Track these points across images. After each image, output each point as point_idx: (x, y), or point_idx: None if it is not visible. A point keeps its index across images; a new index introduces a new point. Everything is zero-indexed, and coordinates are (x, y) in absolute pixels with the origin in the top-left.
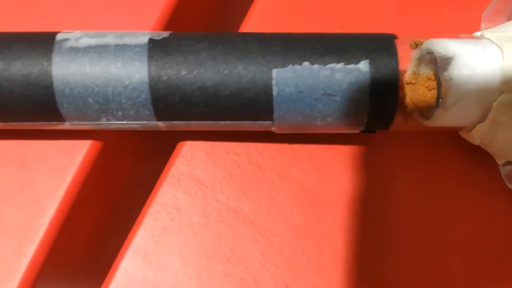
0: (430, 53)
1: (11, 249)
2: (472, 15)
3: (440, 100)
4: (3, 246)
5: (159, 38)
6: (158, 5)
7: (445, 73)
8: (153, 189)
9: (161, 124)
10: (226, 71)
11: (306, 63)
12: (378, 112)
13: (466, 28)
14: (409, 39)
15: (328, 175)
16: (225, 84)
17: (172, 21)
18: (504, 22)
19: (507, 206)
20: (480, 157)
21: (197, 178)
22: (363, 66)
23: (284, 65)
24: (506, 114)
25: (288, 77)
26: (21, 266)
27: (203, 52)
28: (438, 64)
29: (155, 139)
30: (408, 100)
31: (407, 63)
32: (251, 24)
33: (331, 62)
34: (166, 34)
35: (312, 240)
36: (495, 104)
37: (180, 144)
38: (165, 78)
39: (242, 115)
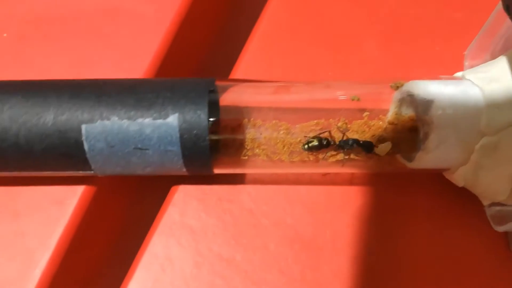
0: (410, 95)
1: None
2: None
3: (421, 144)
4: None
5: None
6: (149, 52)
7: (426, 116)
8: (145, 238)
9: None
10: (37, 128)
11: (114, 118)
12: (194, 161)
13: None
14: (390, 80)
15: (322, 221)
16: (38, 140)
17: (163, 67)
18: (488, 59)
19: (491, 246)
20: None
21: (190, 227)
22: (172, 120)
23: (92, 120)
24: (488, 157)
25: (97, 132)
26: None
27: (15, 107)
28: (419, 107)
29: (147, 182)
30: (391, 141)
31: (389, 104)
32: (244, 68)
33: (140, 117)
34: None
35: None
36: (477, 147)
37: (172, 189)
38: None
39: (61, 167)
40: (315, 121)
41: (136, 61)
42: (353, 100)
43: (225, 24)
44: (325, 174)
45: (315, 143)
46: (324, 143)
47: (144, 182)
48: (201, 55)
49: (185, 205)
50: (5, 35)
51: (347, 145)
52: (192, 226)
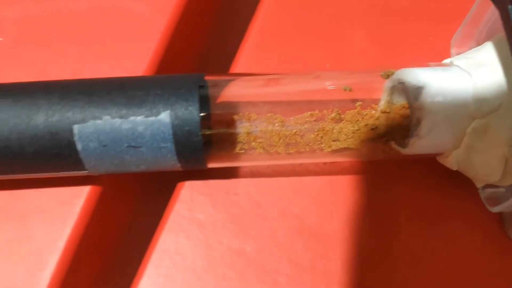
0: (401, 83)
1: None
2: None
3: (414, 130)
4: None
5: None
6: (148, 50)
7: (417, 103)
8: (154, 235)
9: None
10: (28, 130)
11: (106, 117)
12: (189, 157)
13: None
14: (381, 69)
15: (328, 210)
16: (29, 142)
17: (162, 65)
18: (473, 46)
19: (486, 229)
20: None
21: (198, 221)
22: (164, 117)
23: (84, 120)
24: (480, 140)
25: (90, 132)
26: None
27: (5, 110)
28: (410, 94)
29: (153, 180)
30: (384, 129)
31: (381, 93)
32: (241, 64)
33: (132, 115)
34: None
35: (318, 277)
36: (468, 130)
37: (178, 185)
38: None
39: (54, 168)
40: (309, 112)
41: (135, 60)
42: (345, 90)
43: (221, 20)
44: (325, 163)
45: None
46: None
47: (149, 180)
48: (198, 52)
49: (192, 200)
50: (1, 38)
51: None
52: (200, 220)
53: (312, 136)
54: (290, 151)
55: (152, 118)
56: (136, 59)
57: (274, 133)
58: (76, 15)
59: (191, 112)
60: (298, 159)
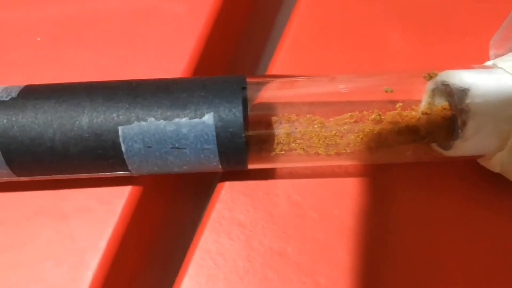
0: (445, 84)
1: None
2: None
3: (459, 131)
4: None
5: (7, 99)
6: (186, 51)
7: (463, 105)
8: (195, 235)
9: (24, 178)
10: (73, 131)
11: (151, 119)
12: (231, 158)
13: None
14: (421, 71)
15: (368, 211)
16: (73, 143)
17: (200, 66)
18: None
19: None
20: (500, 183)
21: (239, 221)
22: (208, 118)
23: (129, 122)
24: None
25: (134, 134)
26: None
27: (49, 112)
28: (455, 96)
29: (193, 180)
30: (425, 131)
31: (422, 95)
32: (278, 65)
33: (176, 117)
34: (15, 93)
35: (360, 279)
36: None
37: (218, 186)
38: (14, 140)
39: (98, 169)
40: (349, 113)
41: (173, 61)
42: (386, 91)
43: (256, 22)
44: (365, 165)
45: None
46: None
47: (189, 180)
48: (234, 52)
49: (232, 200)
50: (38, 39)
51: None
52: (241, 220)
53: (352, 137)
54: (330, 152)
55: (196, 120)
56: (174, 60)
57: (313, 134)
58: (114, 16)
59: (235, 114)
60: (338, 160)
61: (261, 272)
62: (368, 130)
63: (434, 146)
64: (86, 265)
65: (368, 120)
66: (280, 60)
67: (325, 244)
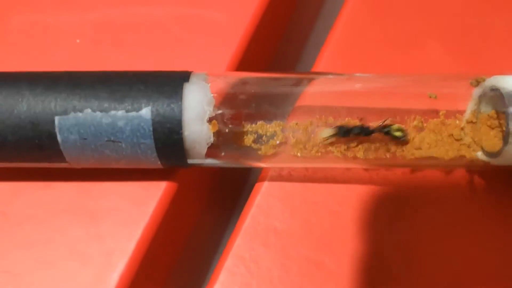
0: (494, 90)
1: None
2: None
3: (510, 137)
4: None
5: None
6: (224, 58)
7: None
8: (229, 241)
9: None
10: (10, 120)
11: (88, 110)
12: (169, 154)
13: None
14: (469, 77)
15: (409, 222)
16: (10, 132)
17: (243, 61)
18: None
19: None
20: None
21: (274, 228)
22: (145, 112)
23: (66, 112)
24: None
25: (70, 125)
26: None
27: None
28: (506, 100)
29: (228, 182)
30: (470, 139)
31: (466, 102)
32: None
33: (114, 109)
34: None
35: None
36: None
37: (255, 190)
38: None
39: (35, 159)
40: (390, 118)
41: (212, 67)
42: (430, 97)
43: (297, 27)
44: (404, 173)
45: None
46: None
47: (224, 181)
48: (272, 60)
49: (268, 206)
50: (78, 41)
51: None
52: (277, 227)
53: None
54: (369, 157)
55: (133, 113)
56: (214, 66)
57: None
58: (153, 21)
59: (173, 109)
60: (377, 165)
61: (297, 283)
62: (409, 137)
63: (480, 155)
64: (113, 267)
65: (410, 126)
66: (320, 66)
67: (365, 257)
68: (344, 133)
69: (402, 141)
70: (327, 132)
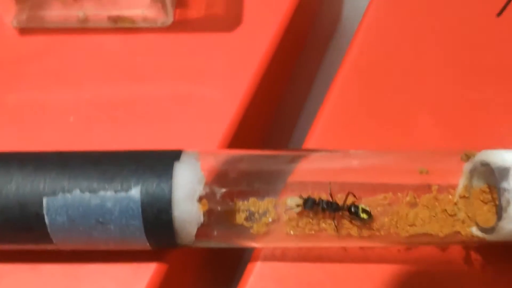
0: (484, 165)
1: None
2: None
3: (503, 213)
4: None
5: None
6: (217, 135)
7: (505, 184)
8: None
9: None
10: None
11: (76, 191)
12: (159, 236)
13: None
14: (460, 151)
15: None
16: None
17: (236, 138)
18: None
19: None
20: None
21: None
22: (135, 193)
23: (54, 193)
24: None
25: (58, 206)
26: None
27: None
28: (497, 176)
29: (219, 264)
30: (464, 214)
31: (458, 177)
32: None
33: (102, 190)
34: None
35: None
36: None
37: (247, 270)
38: None
39: (22, 240)
40: (383, 195)
41: (204, 144)
42: (421, 173)
43: (291, 103)
44: (399, 250)
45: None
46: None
47: (215, 264)
48: (265, 135)
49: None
50: (71, 118)
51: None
52: None
53: (386, 220)
54: (363, 235)
55: (122, 194)
56: (207, 143)
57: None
58: (147, 98)
59: (163, 189)
60: (371, 243)
61: None
62: (402, 213)
63: (474, 230)
64: None
65: (402, 202)
66: (311, 142)
67: None
68: (311, 206)
69: (366, 221)
70: (294, 201)
